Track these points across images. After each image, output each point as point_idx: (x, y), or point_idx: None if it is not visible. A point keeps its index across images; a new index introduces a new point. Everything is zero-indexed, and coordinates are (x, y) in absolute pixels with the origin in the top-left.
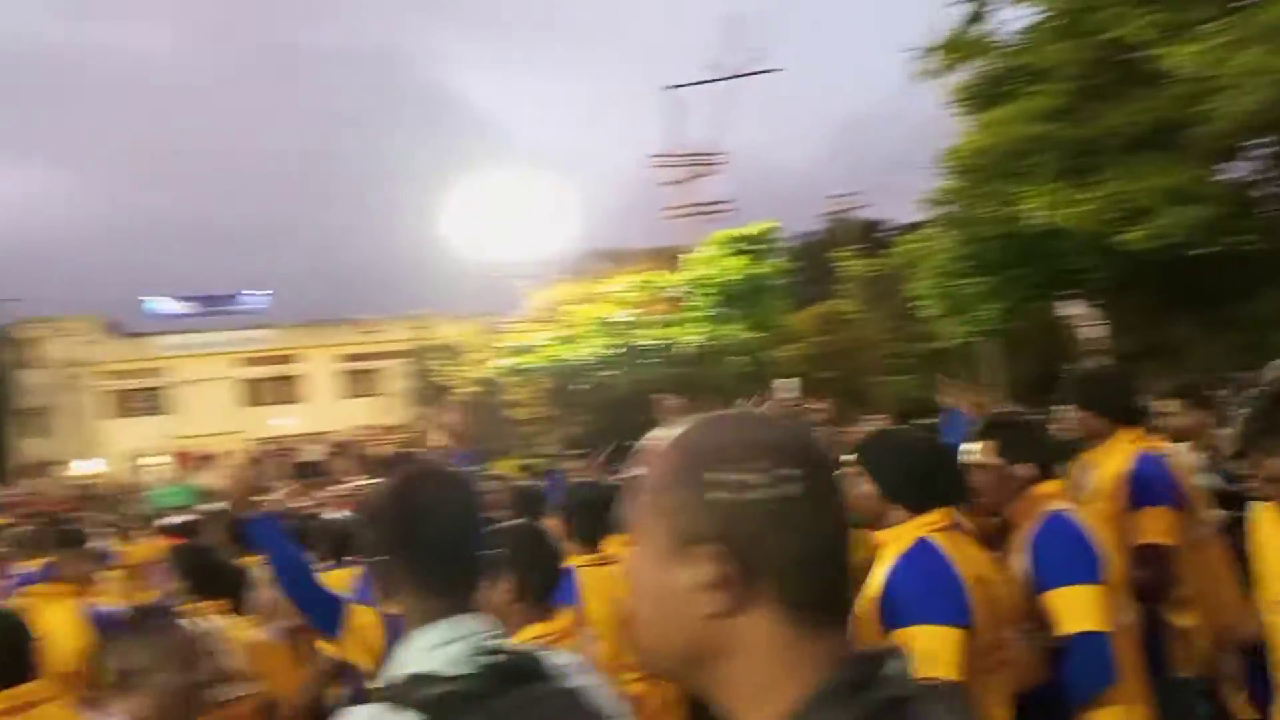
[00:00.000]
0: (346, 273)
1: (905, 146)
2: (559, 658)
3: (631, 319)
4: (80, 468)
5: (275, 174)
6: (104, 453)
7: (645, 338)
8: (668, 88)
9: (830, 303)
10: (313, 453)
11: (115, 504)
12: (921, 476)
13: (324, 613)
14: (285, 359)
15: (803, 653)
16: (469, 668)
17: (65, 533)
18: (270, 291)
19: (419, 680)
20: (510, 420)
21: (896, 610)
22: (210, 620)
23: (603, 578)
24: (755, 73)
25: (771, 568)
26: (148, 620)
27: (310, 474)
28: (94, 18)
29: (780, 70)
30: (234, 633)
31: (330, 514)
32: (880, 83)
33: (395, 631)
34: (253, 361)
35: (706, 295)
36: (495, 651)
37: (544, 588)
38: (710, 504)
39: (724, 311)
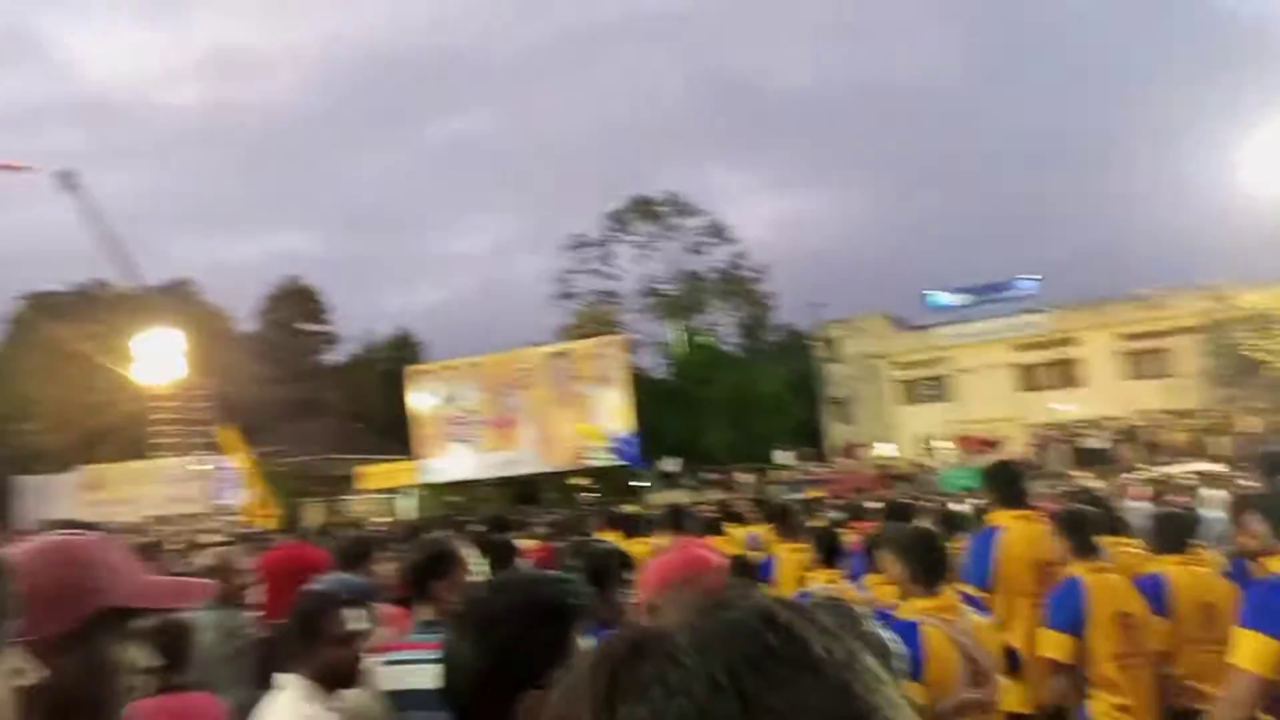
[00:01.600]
0: (1124, 246)
1: None
2: None
3: None
4: (880, 450)
5: (1033, 157)
6: (897, 436)
7: None
8: None
9: None
10: (1097, 439)
11: (912, 483)
12: None
13: None
14: (1061, 342)
15: None
16: None
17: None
18: (1039, 276)
19: None
20: None
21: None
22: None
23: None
24: None
25: None
26: None
27: (1095, 461)
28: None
29: None
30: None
31: (1129, 502)
32: None
33: None
34: (1028, 346)
35: None
36: None
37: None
38: None
39: None
